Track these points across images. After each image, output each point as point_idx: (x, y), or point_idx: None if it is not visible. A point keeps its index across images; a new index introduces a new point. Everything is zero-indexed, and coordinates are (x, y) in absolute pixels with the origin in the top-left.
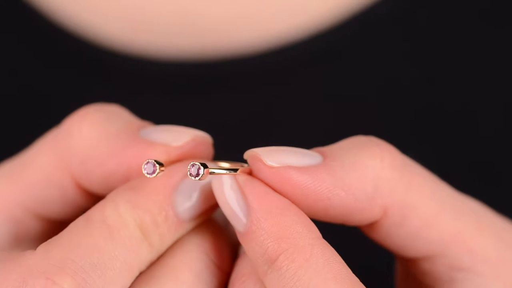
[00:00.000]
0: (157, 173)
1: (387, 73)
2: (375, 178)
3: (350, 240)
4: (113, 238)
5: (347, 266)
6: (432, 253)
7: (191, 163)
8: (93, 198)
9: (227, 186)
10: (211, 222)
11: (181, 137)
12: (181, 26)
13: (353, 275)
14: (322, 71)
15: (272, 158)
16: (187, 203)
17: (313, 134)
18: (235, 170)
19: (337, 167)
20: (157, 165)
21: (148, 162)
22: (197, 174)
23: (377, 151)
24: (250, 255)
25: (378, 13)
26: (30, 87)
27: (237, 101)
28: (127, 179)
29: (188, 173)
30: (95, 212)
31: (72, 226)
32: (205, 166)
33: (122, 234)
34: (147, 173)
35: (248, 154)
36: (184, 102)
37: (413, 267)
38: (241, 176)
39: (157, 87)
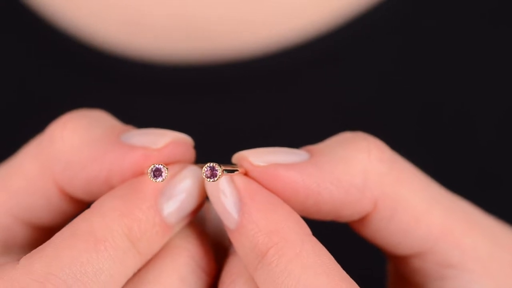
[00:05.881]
0: (164, 178)
1: (387, 76)
2: (363, 171)
3: (342, 246)
4: (99, 250)
5: (336, 262)
6: (422, 250)
7: (207, 165)
8: (78, 204)
9: (222, 184)
10: (196, 226)
11: (160, 140)
12: (181, 30)
13: (343, 270)
14: (322, 74)
15: (259, 158)
16: (173, 207)
17: (313, 136)
18: (235, 170)
19: (324, 162)
20: (165, 168)
21: (155, 167)
22: (214, 175)
23: (364, 145)
24: (240, 252)
25: (378, 16)
26: (29, 88)
27: (238, 104)
28: (109, 184)
29: (204, 175)
30: (81, 222)
31: (57, 236)
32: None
33: (108, 246)
34: (154, 178)
35: (236, 156)
36: (183, 105)
37: (404, 266)
38: (237, 176)
39: (156, 90)
